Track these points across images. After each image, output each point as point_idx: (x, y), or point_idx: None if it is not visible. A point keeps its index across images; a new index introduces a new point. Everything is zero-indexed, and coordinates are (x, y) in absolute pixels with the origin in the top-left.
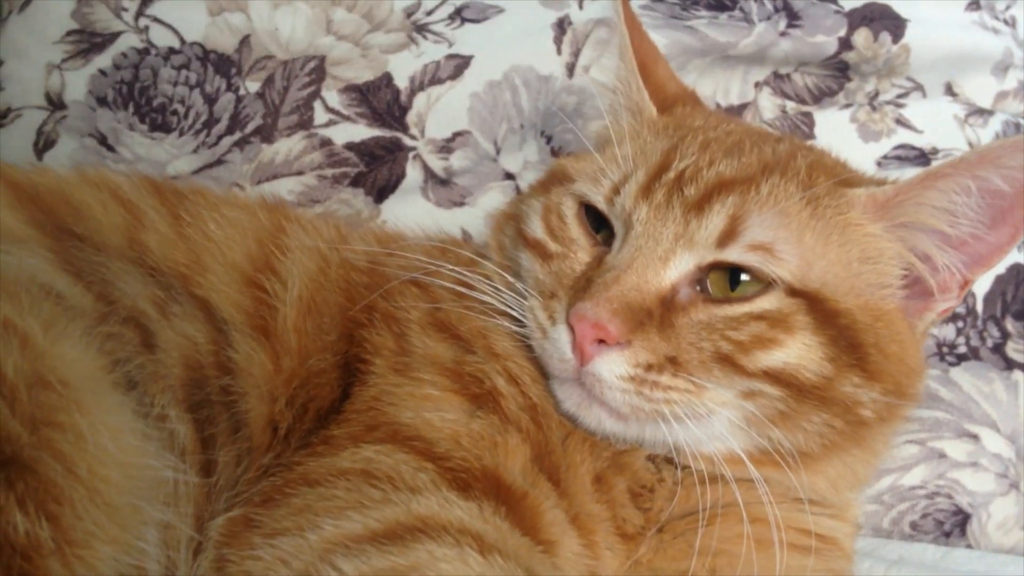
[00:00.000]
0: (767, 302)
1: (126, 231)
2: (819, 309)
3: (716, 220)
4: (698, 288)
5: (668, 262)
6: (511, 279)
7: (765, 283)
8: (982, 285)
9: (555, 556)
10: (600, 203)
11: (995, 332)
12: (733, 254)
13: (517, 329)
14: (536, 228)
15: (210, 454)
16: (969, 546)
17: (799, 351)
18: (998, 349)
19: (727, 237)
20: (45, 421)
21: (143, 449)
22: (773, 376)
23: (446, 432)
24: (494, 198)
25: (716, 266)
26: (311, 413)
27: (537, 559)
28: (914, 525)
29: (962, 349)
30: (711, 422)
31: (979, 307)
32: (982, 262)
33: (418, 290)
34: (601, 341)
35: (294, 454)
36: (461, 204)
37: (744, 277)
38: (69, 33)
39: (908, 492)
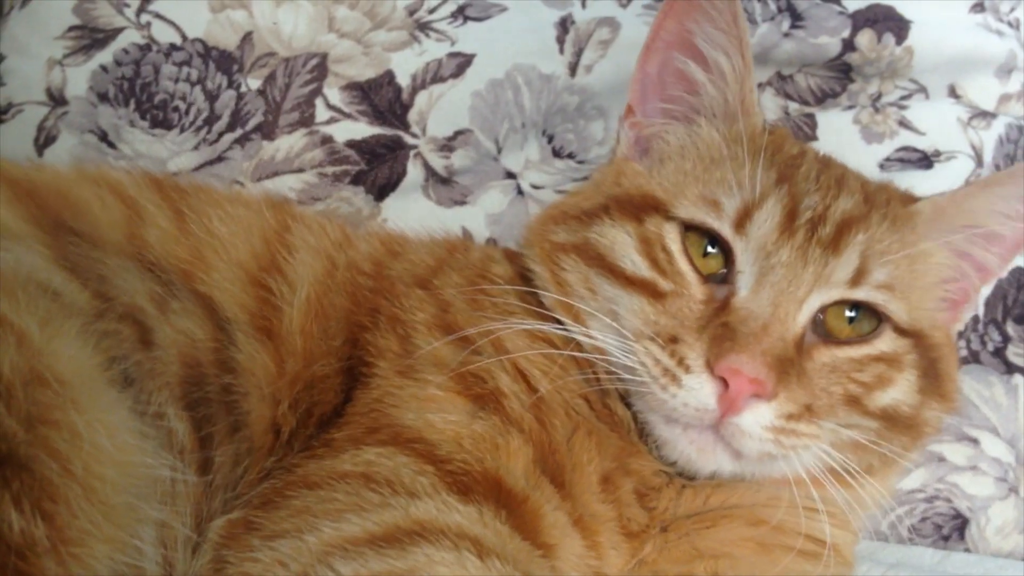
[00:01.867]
0: (884, 343)
1: (125, 227)
2: (921, 346)
3: (851, 259)
4: (814, 329)
5: (803, 305)
6: (593, 311)
7: (876, 323)
8: (984, 289)
9: (555, 559)
10: (726, 232)
11: (996, 336)
12: (862, 292)
13: (628, 378)
14: (637, 264)
15: (208, 453)
16: (967, 550)
17: (904, 387)
18: (999, 353)
19: (859, 276)
20: (41, 419)
21: (140, 447)
22: (882, 413)
23: (448, 434)
24: (495, 197)
25: (838, 304)
26: (315, 418)
27: (536, 564)
28: (913, 529)
29: (963, 353)
30: (802, 457)
31: (980, 311)
32: (1002, 270)
33: (424, 292)
34: (753, 395)
35: (295, 457)
36: (462, 203)
37: (849, 313)
38: (71, 29)
39: (907, 496)
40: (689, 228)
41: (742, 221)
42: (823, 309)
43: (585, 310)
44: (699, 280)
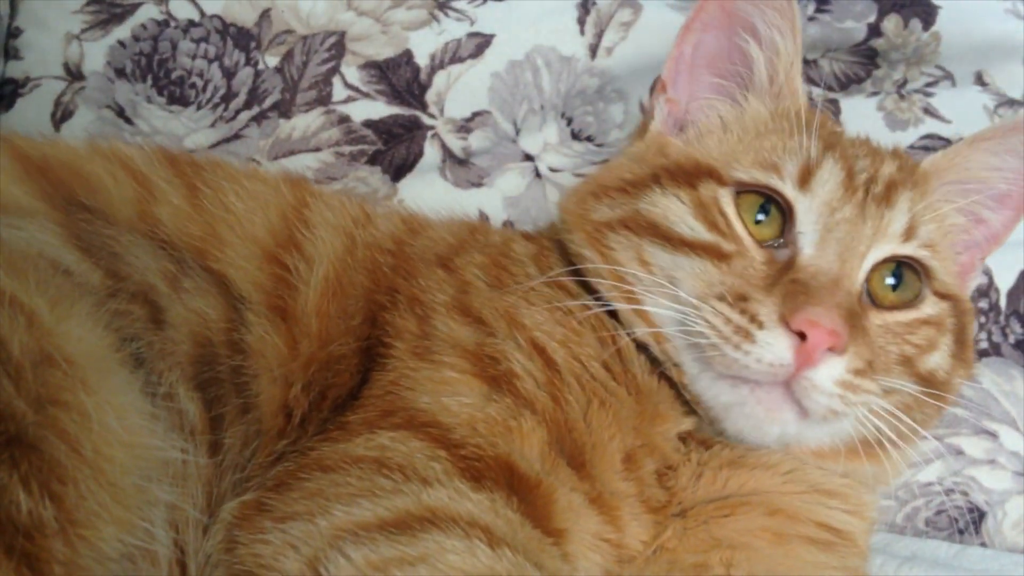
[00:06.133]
0: (929, 308)
1: (137, 204)
2: (957, 310)
3: (903, 214)
4: (865, 293)
5: (864, 260)
6: (648, 286)
7: (917, 291)
8: (1006, 280)
9: (567, 544)
10: (788, 191)
11: (1018, 328)
12: (910, 248)
13: (692, 342)
14: (696, 228)
15: (218, 434)
16: (983, 544)
17: (944, 352)
18: (1020, 345)
19: (910, 231)
20: (50, 400)
21: (149, 429)
22: (926, 376)
23: (463, 417)
24: (512, 179)
25: (889, 261)
26: (329, 400)
27: (547, 552)
28: (928, 522)
29: (984, 345)
30: (845, 421)
31: (1002, 302)
32: (1003, 236)
33: (444, 273)
34: (829, 348)
35: (310, 440)
36: (479, 185)
37: (889, 281)
38: (89, 3)
39: (923, 488)
40: (742, 192)
41: (805, 179)
42: (868, 274)
43: (640, 287)
44: (756, 244)
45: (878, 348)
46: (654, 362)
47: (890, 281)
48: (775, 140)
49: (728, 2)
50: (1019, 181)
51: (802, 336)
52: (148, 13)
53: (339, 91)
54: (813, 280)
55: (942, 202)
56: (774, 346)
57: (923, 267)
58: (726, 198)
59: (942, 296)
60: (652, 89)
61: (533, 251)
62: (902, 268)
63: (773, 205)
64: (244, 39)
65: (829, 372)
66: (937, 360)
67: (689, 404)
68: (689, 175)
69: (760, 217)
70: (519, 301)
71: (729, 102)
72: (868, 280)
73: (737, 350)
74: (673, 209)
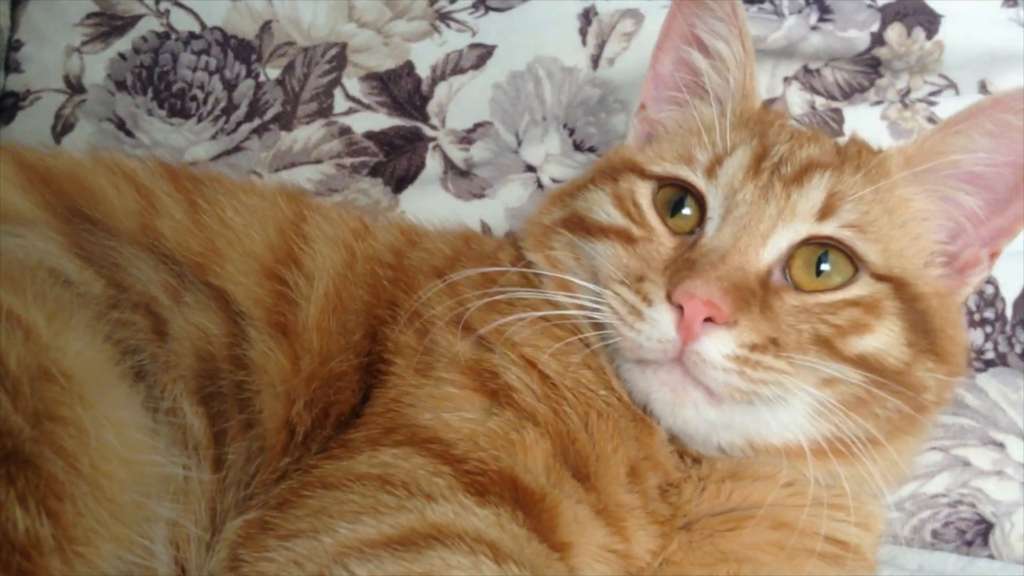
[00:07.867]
0: (859, 288)
1: (139, 217)
2: (903, 294)
3: (816, 193)
4: (785, 276)
5: (767, 240)
6: (578, 278)
7: (850, 274)
8: (1012, 289)
9: (573, 558)
10: (698, 181)
11: None
12: (829, 228)
13: (605, 332)
14: (611, 214)
15: (221, 449)
16: (991, 556)
17: (886, 336)
18: None
19: (827, 211)
20: (48, 415)
21: (150, 444)
22: (861, 361)
23: (464, 432)
24: (514, 190)
25: (808, 242)
26: (332, 418)
27: (554, 568)
28: (935, 533)
29: (990, 355)
30: (790, 409)
31: (1008, 312)
32: (1009, 227)
33: (442, 285)
34: (709, 320)
35: (313, 458)
36: (481, 196)
37: (824, 267)
38: (89, 16)
39: (930, 500)
40: (663, 185)
41: (713, 169)
42: (791, 253)
43: (573, 280)
44: (668, 232)
45: (787, 326)
46: None
47: (825, 267)
48: (702, 135)
49: (681, 20)
50: (996, 164)
51: (682, 309)
52: (149, 25)
53: (340, 103)
54: (702, 257)
55: (907, 188)
56: (659, 321)
57: (846, 247)
58: (642, 189)
59: (880, 278)
60: None
61: (514, 256)
62: (831, 251)
63: (692, 198)
64: (245, 51)
65: (716, 345)
66: (874, 345)
67: None
68: (616, 170)
69: (686, 212)
70: (504, 316)
71: (681, 110)
72: (790, 262)
73: (631, 330)
74: (597, 200)
